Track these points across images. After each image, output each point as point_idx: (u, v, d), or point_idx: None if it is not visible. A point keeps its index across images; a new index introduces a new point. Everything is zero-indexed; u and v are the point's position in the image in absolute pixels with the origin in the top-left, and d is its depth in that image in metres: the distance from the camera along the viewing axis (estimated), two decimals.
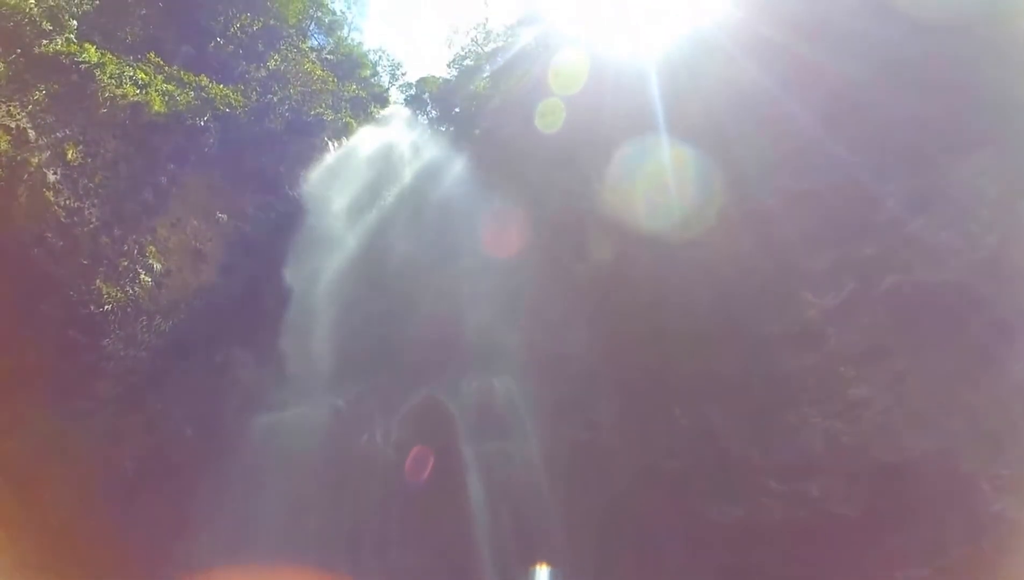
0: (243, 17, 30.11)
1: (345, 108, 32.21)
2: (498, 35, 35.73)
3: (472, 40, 36.45)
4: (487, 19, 36.89)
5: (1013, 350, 18.51)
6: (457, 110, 34.22)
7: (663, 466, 21.87)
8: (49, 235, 21.85)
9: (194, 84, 26.81)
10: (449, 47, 37.43)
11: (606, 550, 21.16)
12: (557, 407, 23.72)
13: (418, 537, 21.43)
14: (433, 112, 36.19)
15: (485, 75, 33.59)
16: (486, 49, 35.58)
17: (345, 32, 38.82)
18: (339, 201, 29.77)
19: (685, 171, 24.26)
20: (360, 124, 32.39)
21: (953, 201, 20.13)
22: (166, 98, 25.38)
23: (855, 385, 20.41)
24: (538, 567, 20.76)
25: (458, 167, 31.01)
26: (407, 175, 31.26)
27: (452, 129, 33.91)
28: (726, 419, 21.70)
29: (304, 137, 30.15)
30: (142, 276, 24.21)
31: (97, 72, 23.27)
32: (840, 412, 20.42)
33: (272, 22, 31.20)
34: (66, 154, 22.21)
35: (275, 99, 29.75)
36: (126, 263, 23.84)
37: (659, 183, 24.41)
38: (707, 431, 21.83)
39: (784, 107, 23.31)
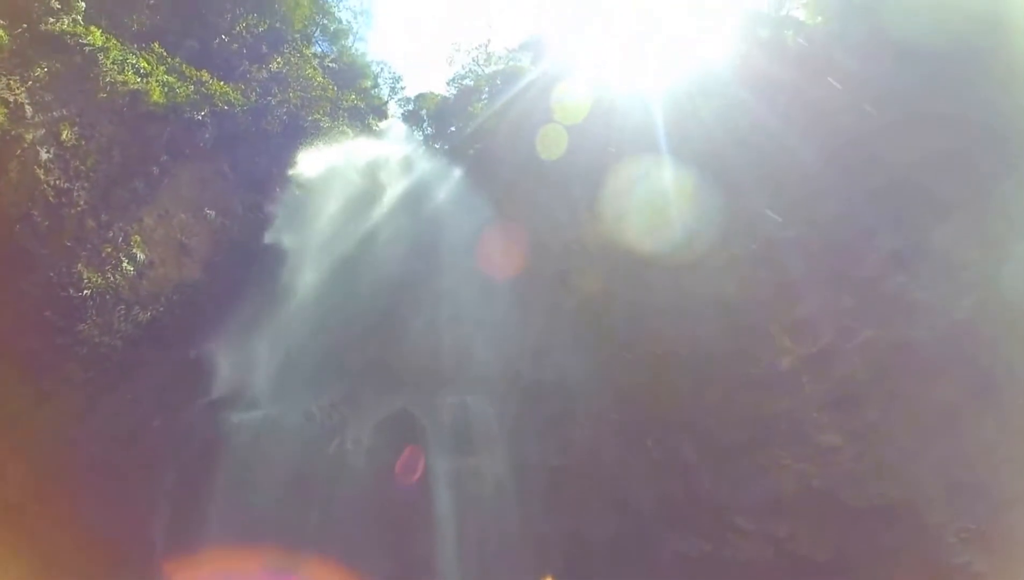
0: (249, 17, 30.26)
1: (343, 117, 32.27)
2: (499, 57, 36.09)
3: (473, 60, 36.80)
4: (489, 40, 37.28)
5: (983, 409, 18.83)
6: (453, 129, 34.43)
7: (634, 496, 21.95)
8: (35, 213, 21.67)
9: (195, 78, 26.82)
10: (450, 65, 37.75)
11: (571, 575, 21.04)
12: (531, 430, 23.62)
13: (382, 545, 21.23)
14: (429, 129, 36.38)
15: (484, 97, 33.86)
16: (487, 71, 35.88)
17: (349, 41, 39.15)
18: (329, 208, 29.68)
19: (675, 211, 24.52)
20: (357, 134, 32.43)
21: (933, 261, 20.52)
22: (166, 89, 25.34)
23: (827, 432, 20.68)
24: None
25: (450, 185, 31.07)
26: (399, 188, 31.24)
27: (447, 147, 34.07)
28: (699, 455, 21.88)
29: (300, 141, 30.11)
30: (124, 264, 24.00)
31: (100, 56, 23.24)
32: (811, 457, 20.66)
33: (278, 25, 31.39)
34: (61, 134, 22.09)
35: (274, 101, 29.78)
36: (110, 250, 23.63)
37: (646, 220, 24.63)
38: (679, 465, 21.97)
39: (777, 156, 23.74)
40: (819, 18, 27.76)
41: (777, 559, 19.96)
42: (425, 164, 32.48)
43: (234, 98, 27.87)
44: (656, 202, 24.63)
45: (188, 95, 26.18)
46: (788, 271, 22.36)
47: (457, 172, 31.52)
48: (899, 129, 21.10)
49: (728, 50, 27.41)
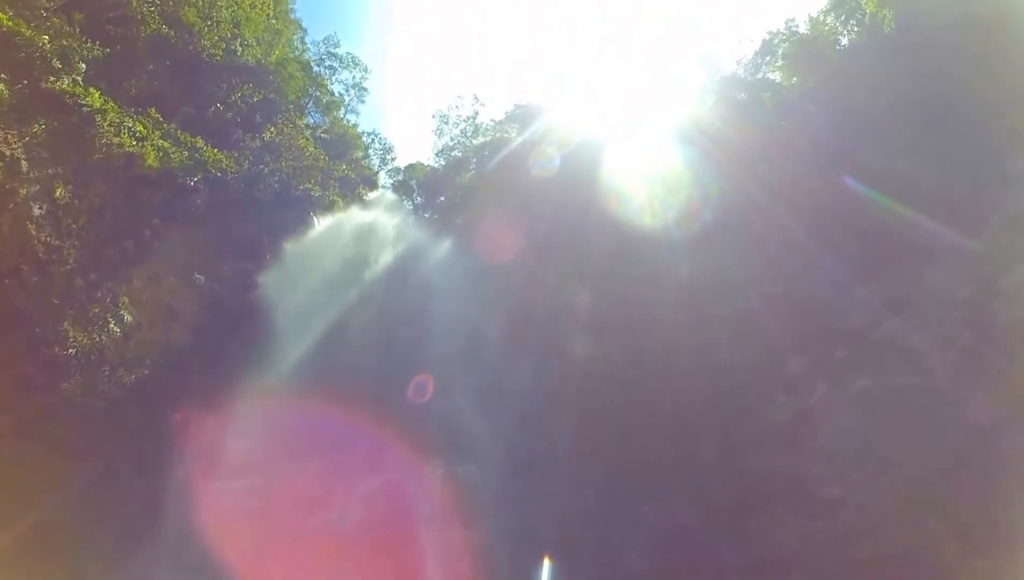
0: (245, 87, 30.78)
1: (334, 186, 32.60)
2: (487, 129, 36.91)
3: (462, 132, 37.63)
4: (477, 113, 38.15)
5: (986, 447, 18.72)
6: (442, 199, 34.84)
7: (635, 563, 21.48)
8: (25, 268, 21.44)
9: (189, 144, 27.05)
10: (439, 137, 38.52)
11: None
12: (523, 500, 23.18)
13: None
14: (419, 198, 36.78)
15: (472, 167, 34.42)
16: (475, 142, 36.63)
17: (342, 113, 39.91)
18: (318, 276, 29.68)
19: (665, 272, 24.78)
20: (347, 203, 32.71)
21: (924, 305, 20.74)
22: (161, 154, 25.52)
23: (828, 485, 20.45)
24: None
25: (439, 254, 31.26)
26: (388, 257, 31.38)
27: (436, 217, 34.41)
28: (698, 517, 21.50)
29: (291, 210, 30.30)
30: (111, 325, 23.68)
31: (98, 117, 23.41)
32: (813, 512, 20.39)
33: (272, 95, 31.93)
34: (55, 191, 22.07)
35: (266, 170, 30.06)
36: (97, 310, 23.34)
37: (637, 284, 24.85)
38: (678, 528, 21.55)
39: (759, 215, 24.21)
40: (794, 79, 28.85)
41: None
42: (414, 233, 32.72)
43: (227, 165, 28.10)
44: (643, 265, 24.92)
45: (182, 160, 26.38)
46: (778, 327, 22.54)
47: (446, 241, 31.74)
48: (880, 180, 21.67)
49: (705, 113, 28.30)
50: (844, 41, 28.83)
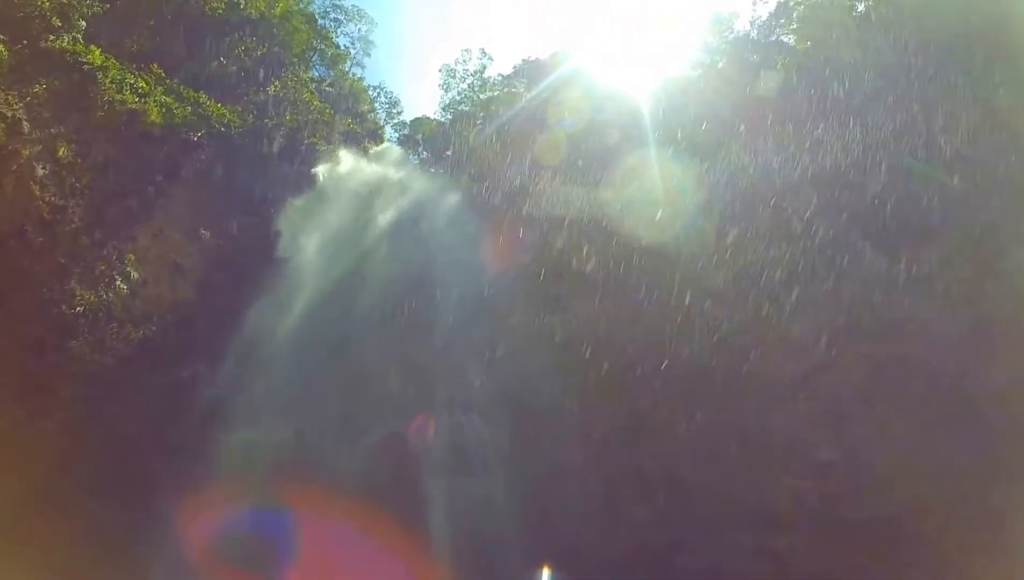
0: (248, 41, 30.58)
1: (339, 140, 32.52)
2: (494, 84, 36.57)
3: (469, 87, 37.30)
4: (485, 67, 37.74)
5: (978, 421, 18.89)
6: (449, 153, 34.66)
7: (631, 513, 21.80)
8: (29, 229, 21.67)
9: (193, 100, 27.01)
10: (446, 91, 38.20)
11: None
12: (525, 450, 23.41)
13: (376, 567, 21.06)
14: (425, 153, 36.67)
15: (479, 122, 34.18)
16: (482, 97, 36.30)
17: (347, 66, 39.51)
18: (323, 231, 29.81)
19: (668, 234, 24.69)
20: (353, 157, 32.61)
21: (927, 280, 20.65)
22: (164, 110, 25.52)
23: (822, 447, 20.65)
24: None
25: (445, 209, 31.23)
26: (394, 212, 31.40)
27: (442, 171, 34.28)
28: (695, 473, 21.72)
29: (296, 164, 30.29)
30: (118, 283, 23.95)
31: (99, 75, 23.39)
32: (807, 472, 20.60)
33: (276, 49, 31.71)
34: (57, 151, 22.17)
35: (271, 124, 30.03)
36: (103, 268, 23.60)
37: (640, 245, 24.79)
38: (676, 483, 21.84)
39: (768, 179, 24.02)
40: (808, 43, 28.34)
41: (777, 573, 19.82)
42: (420, 188, 32.66)
43: (231, 120, 28.07)
44: (649, 226, 24.83)
45: (186, 116, 26.38)
46: (781, 291, 22.52)
47: (452, 196, 31.67)
48: (887, 153, 21.40)
49: (718, 75, 27.89)
50: (860, 7, 28.22)
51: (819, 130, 24.09)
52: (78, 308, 22.81)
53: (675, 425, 22.42)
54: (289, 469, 22.96)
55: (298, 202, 29.78)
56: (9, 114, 20.55)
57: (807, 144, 23.83)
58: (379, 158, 34.59)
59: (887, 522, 18.84)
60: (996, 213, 20.39)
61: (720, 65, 28.78)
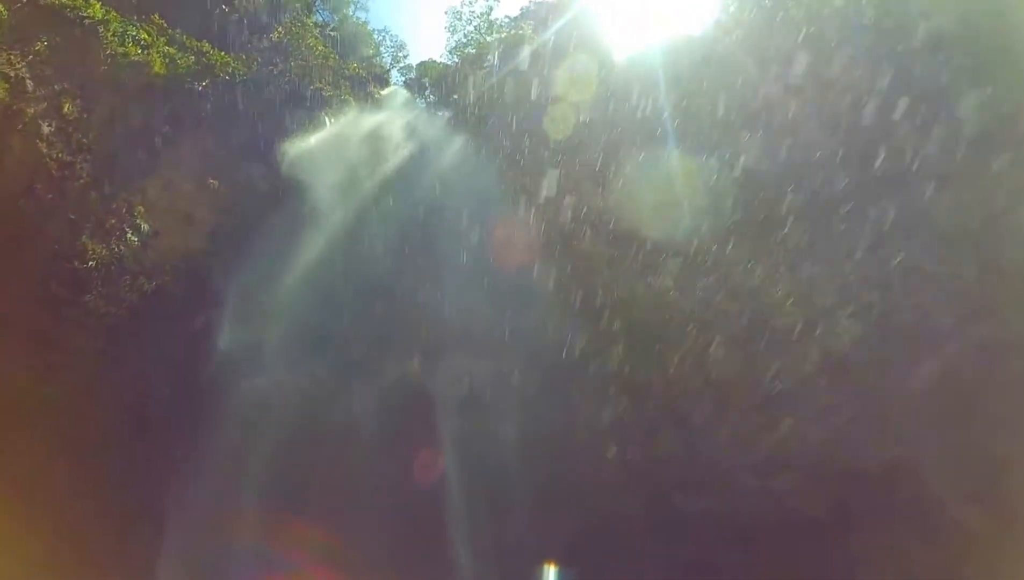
0: None
1: (345, 85, 32.22)
2: (502, 26, 35.99)
3: (475, 29, 36.74)
4: (491, 9, 37.16)
5: (984, 375, 18.92)
6: (455, 97, 34.34)
7: (637, 456, 22.39)
8: (38, 187, 21.84)
9: (196, 49, 26.79)
10: (452, 34, 37.68)
11: (575, 533, 21.70)
12: (536, 394, 23.94)
13: (390, 506, 21.70)
14: (432, 97, 36.27)
15: (486, 65, 33.69)
16: (489, 39, 35.74)
17: (351, 10, 38.91)
18: (331, 176, 29.78)
19: (688, 176, 24.46)
20: (359, 102, 32.40)
21: (934, 228, 20.54)
22: (167, 61, 25.37)
23: (825, 393, 20.85)
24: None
25: (453, 152, 31.08)
26: (401, 156, 31.28)
27: (449, 115, 33.99)
28: (699, 416, 22.10)
29: (302, 110, 30.14)
30: (129, 235, 24.20)
31: (101, 28, 23.25)
32: (810, 417, 20.87)
33: None
34: (62, 107, 22.20)
35: (275, 71, 29.79)
36: (114, 221, 23.80)
37: (657, 186, 24.63)
38: (681, 426, 22.24)
39: (779, 125, 23.68)
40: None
41: (778, 514, 20.38)
42: (428, 131, 32.47)
43: (235, 68, 27.86)
44: (659, 174, 24.64)
45: (189, 66, 26.23)
46: (789, 238, 22.46)
47: (460, 139, 31.49)
48: (900, 101, 21.00)
49: (732, 19, 27.16)
50: None
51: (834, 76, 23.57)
52: (90, 262, 23.08)
53: (682, 369, 22.70)
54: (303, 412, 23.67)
55: (306, 148, 29.70)
56: (12, 74, 20.54)
57: (821, 89, 23.35)
58: (386, 102, 34.30)
59: (887, 468, 19.21)
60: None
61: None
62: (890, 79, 21.37)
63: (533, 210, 26.86)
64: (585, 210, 25.76)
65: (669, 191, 24.04)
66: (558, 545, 21.88)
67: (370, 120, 32.13)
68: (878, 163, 20.97)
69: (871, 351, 20.55)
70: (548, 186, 26.43)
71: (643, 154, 25.03)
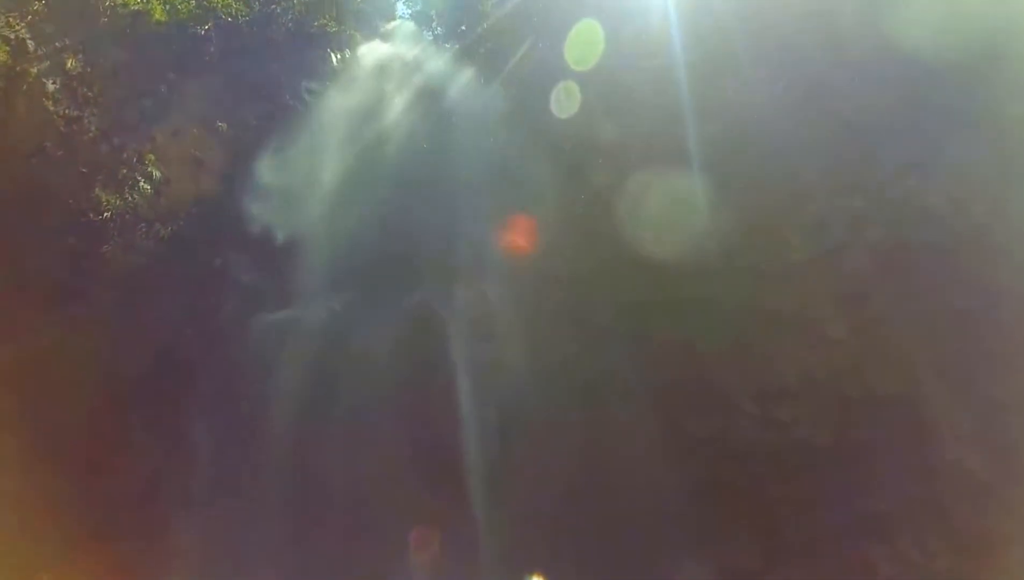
0: None
1: (350, 20, 31.77)
2: None
3: None
4: None
5: (985, 315, 19.20)
6: (463, 28, 33.77)
7: (646, 381, 22.60)
8: (48, 145, 22.23)
9: None
10: None
11: (584, 455, 22.13)
12: (548, 320, 24.19)
13: (406, 432, 22.65)
14: (439, 29, 35.60)
15: None
16: None
17: None
18: (339, 112, 29.73)
19: (687, 107, 24.18)
20: (364, 37, 32.02)
21: (945, 169, 20.32)
22: (167, 7, 25.31)
23: (831, 325, 21.11)
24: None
25: (462, 85, 30.76)
26: (410, 89, 31.05)
27: (458, 47, 33.48)
28: (708, 343, 22.29)
29: (307, 48, 29.91)
30: (141, 184, 24.61)
31: None
32: (814, 348, 21.20)
33: None
34: (66, 64, 22.38)
35: (278, 9, 29.45)
36: (125, 171, 24.20)
37: (656, 120, 24.39)
38: (690, 353, 22.40)
39: (792, 56, 23.21)
40: None
41: (780, 442, 20.84)
42: (436, 64, 32.07)
43: (237, 9, 27.67)
44: (668, 103, 24.33)
45: (190, 10, 26.14)
46: (801, 172, 22.30)
47: (469, 71, 31.10)
48: (917, 41, 20.47)
49: None
50: None
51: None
52: (105, 214, 23.62)
53: (689, 298, 22.80)
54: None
55: (313, 85, 29.60)
56: (12, 36, 20.73)
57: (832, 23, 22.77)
58: (392, 36, 33.83)
59: (888, 402, 19.62)
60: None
61: None
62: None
63: (545, 140, 26.76)
64: (602, 138, 25.47)
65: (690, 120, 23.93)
66: (568, 468, 22.21)
67: (377, 54, 31.79)
68: None
69: (880, 284, 20.68)
70: (562, 112, 26.28)
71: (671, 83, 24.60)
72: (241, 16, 27.83)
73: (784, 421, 21.16)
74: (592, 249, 24.59)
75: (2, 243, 21.06)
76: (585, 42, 26.78)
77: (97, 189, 23.43)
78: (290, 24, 29.66)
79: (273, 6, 29.39)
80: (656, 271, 23.38)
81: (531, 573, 20.98)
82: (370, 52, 31.75)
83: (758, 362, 21.84)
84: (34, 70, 21.36)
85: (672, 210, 23.59)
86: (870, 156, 21.54)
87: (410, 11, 36.35)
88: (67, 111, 22.44)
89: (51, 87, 21.92)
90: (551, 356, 23.61)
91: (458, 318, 24.77)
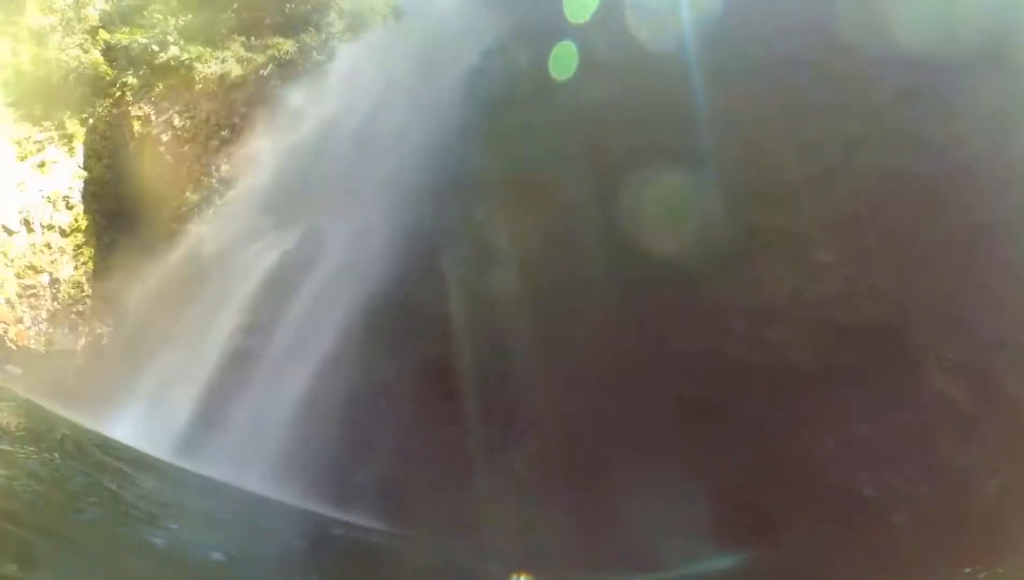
0: None
1: None
2: None
3: None
4: None
5: (981, 249, 19.23)
6: None
7: (637, 298, 22.53)
8: None
9: None
10: None
11: (576, 375, 22.25)
12: (539, 238, 24.06)
13: (401, 354, 22.81)
14: None
15: None
16: None
17: None
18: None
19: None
20: None
21: (945, 102, 20.39)
22: None
23: (822, 249, 21.23)
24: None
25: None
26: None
27: None
28: (697, 262, 22.00)
29: None
30: None
31: None
32: (805, 271, 21.32)
33: None
34: None
35: None
36: None
37: (657, 28, 24.04)
38: (679, 271, 22.10)
39: None
40: None
41: (768, 362, 20.88)
42: None
43: None
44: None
45: None
46: (799, 93, 22.21)
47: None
48: None
49: None
50: None
51: None
52: None
53: (682, 214, 22.58)
54: None
55: None
56: None
57: None
58: None
59: (877, 330, 19.63)
60: None
61: None
62: None
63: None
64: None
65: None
66: (559, 381, 22.40)
67: None
68: None
69: (871, 213, 20.91)
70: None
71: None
72: None
73: (773, 341, 21.20)
74: (586, 175, 24.29)
75: None
76: None
77: None
78: None
79: None
80: (649, 188, 23.29)
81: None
82: None
83: (748, 282, 21.86)
84: None
85: (667, 127, 23.42)
86: (867, 82, 21.59)
87: None
88: None
89: None
90: (542, 276, 23.50)
91: (449, 237, 25.19)
